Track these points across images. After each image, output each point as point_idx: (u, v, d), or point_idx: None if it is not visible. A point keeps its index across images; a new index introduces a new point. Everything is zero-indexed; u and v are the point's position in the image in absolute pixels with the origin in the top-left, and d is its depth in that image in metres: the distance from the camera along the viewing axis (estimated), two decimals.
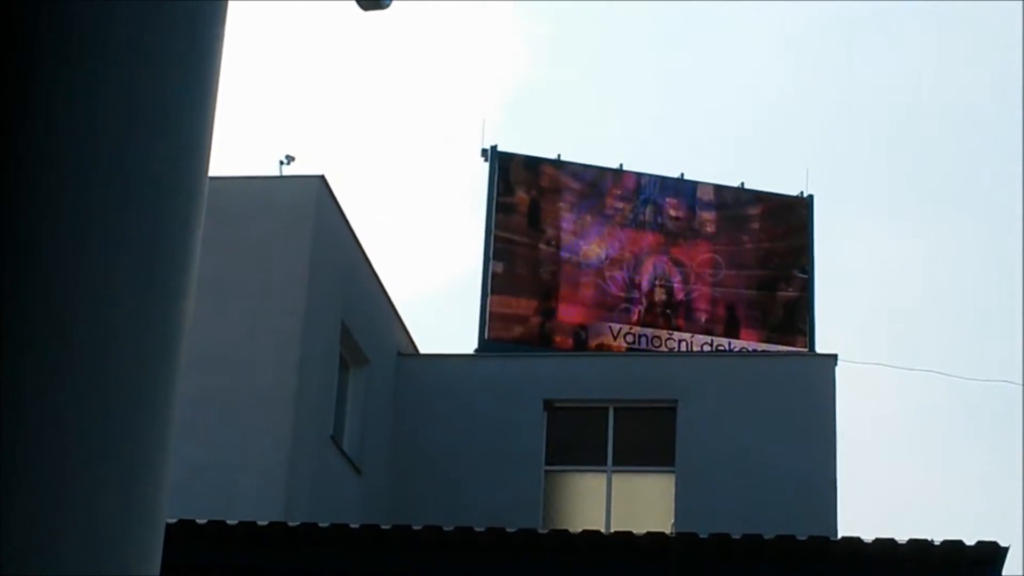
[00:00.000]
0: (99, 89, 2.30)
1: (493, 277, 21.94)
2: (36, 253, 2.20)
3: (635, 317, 22.10)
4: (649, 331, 22.08)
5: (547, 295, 21.99)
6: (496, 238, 22.12)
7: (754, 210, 22.81)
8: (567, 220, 22.43)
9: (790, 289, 22.31)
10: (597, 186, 22.71)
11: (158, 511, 2.34)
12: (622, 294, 22.25)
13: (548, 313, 21.97)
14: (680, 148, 35.61)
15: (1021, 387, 22.98)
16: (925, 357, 41.22)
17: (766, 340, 21.96)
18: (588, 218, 22.51)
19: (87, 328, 2.23)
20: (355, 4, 3.27)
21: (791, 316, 22.21)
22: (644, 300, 22.25)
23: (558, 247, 22.26)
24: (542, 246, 22.24)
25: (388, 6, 3.33)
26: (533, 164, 22.58)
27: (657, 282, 22.34)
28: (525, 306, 21.93)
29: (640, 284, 22.29)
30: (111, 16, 2.33)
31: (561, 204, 22.50)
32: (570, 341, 21.88)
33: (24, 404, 2.16)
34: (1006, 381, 28.74)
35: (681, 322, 22.12)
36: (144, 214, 2.34)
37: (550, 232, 22.32)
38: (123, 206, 2.31)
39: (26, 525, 2.13)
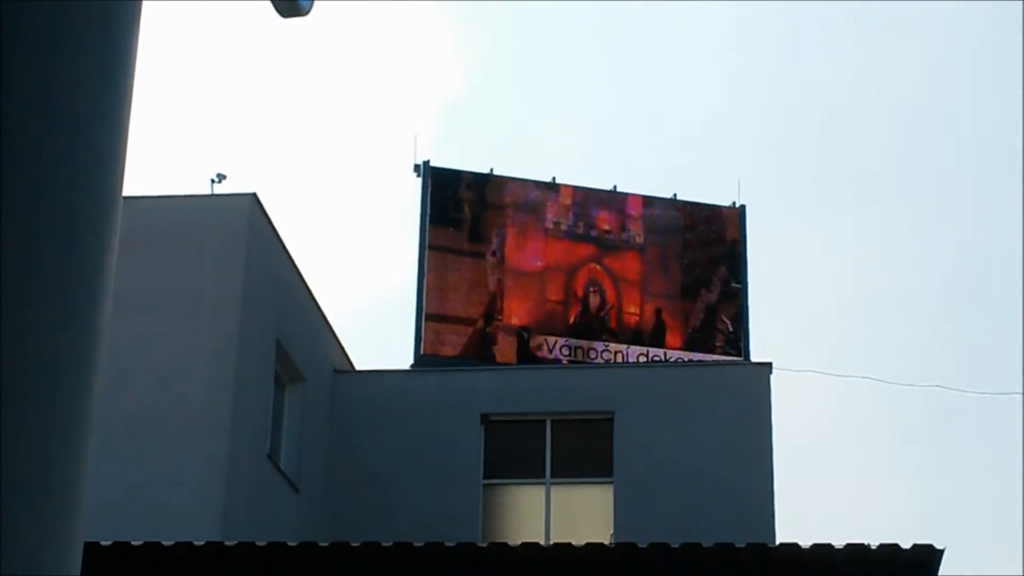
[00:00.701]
0: (6, 100, 2.27)
1: (428, 291, 21.96)
2: None
3: (572, 320, 22.23)
4: (584, 343, 22.17)
5: (492, 301, 22.10)
6: (433, 250, 22.15)
7: (683, 220, 22.98)
8: (508, 234, 22.52)
9: (710, 295, 22.53)
10: (532, 200, 22.81)
11: (75, 529, 2.31)
12: (560, 298, 22.39)
13: (490, 318, 22.05)
14: (614, 160, 35.74)
15: (954, 391, 23.13)
16: (859, 364, 41.53)
17: (687, 346, 22.17)
18: (526, 231, 22.60)
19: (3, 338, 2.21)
20: (275, 12, 3.24)
21: (711, 321, 22.42)
22: (579, 305, 22.40)
23: (502, 258, 22.37)
24: (489, 257, 22.33)
25: (308, 12, 3.30)
26: (478, 180, 22.65)
27: (591, 288, 22.50)
28: (463, 318, 21.98)
29: (576, 290, 22.46)
30: (18, 27, 2.30)
31: (500, 219, 22.60)
32: (513, 340, 21.94)
33: None
34: (939, 386, 29.03)
35: (613, 325, 22.28)
36: (56, 227, 2.31)
37: (494, 243, 22.42)
38: (33, 219, 2.28)
39: None
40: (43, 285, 2.27)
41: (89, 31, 2.40)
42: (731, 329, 22.40)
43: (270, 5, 3.23)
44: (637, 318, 22.49)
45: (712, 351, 22.23)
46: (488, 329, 22.04)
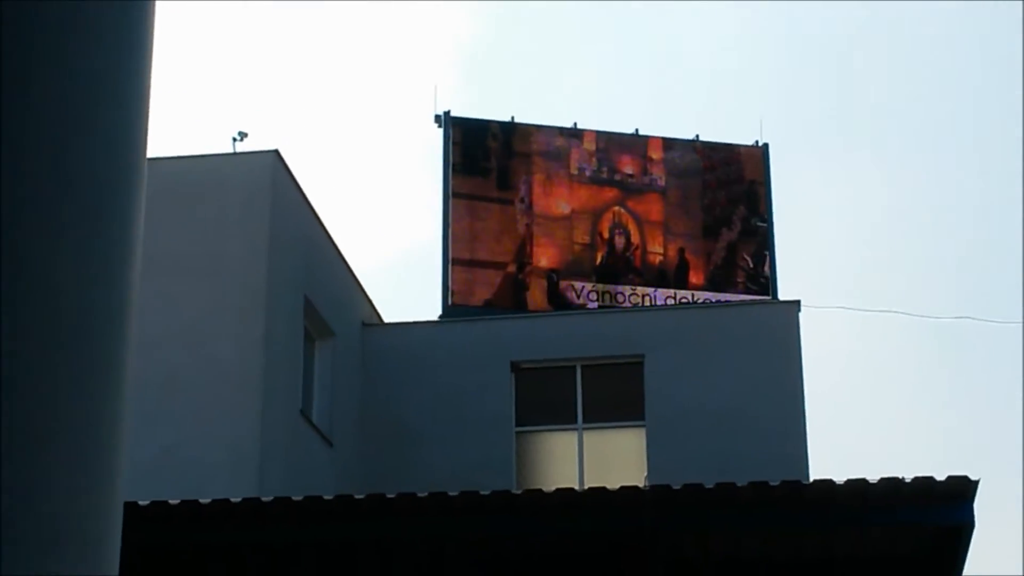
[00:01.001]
0: (31, 64, 2.27)
1: (456, 238, 21.99)
2: None
3: (598, 262, 22.26)
4: (612, 287, 22.18)
5: (522, 247, 22.15)
6: (459, 198, 22.17)
7: (702, 162, 22.95)
8: (535, 181, 22.54)
9: (731, 234, 22.53)
10: (556, 147, 22.79)
11: (114, 490, 2.32)
12: (586, 241, 22.42)
13: (521, 265, 22.10)
14: (635, 103, 35.61)
15: (982, 322, 23.04)
16: (887, 298, 41.42)
17: (709, 284, 22.21)
18: (551, 178, 22.60)
19: (30, 308, 2.21)
20: None
21: (732, 259, 22.43)
22: (605, 247, 22.42)
23: (530, 205, 22.40)
24: (517, 203, 22.36)
25: None
26: (503, 129, 22.64)
27: (616, 231, 22.52)
28: (495, 263, 22.03)
29: (601, 232, 22.48)
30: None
31: (526, 166, 22.60)
32: (544, 284, 22.00)
33: None
34: (967, 317, 28.98)
35: (638, 265, 22.32)
36: (82, 190, 2.31)
37: (521, 190, 22.45)
38: (60, 182, 2.28)
39: None
40: (72, 248, 2.27)
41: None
42: (751, 265, 22.43)
43: None
44: (661, 258, 22.51)
45: (734, 288, 22.24)
46: (520, 275, 22.08)
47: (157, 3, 2.55)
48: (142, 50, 2.47)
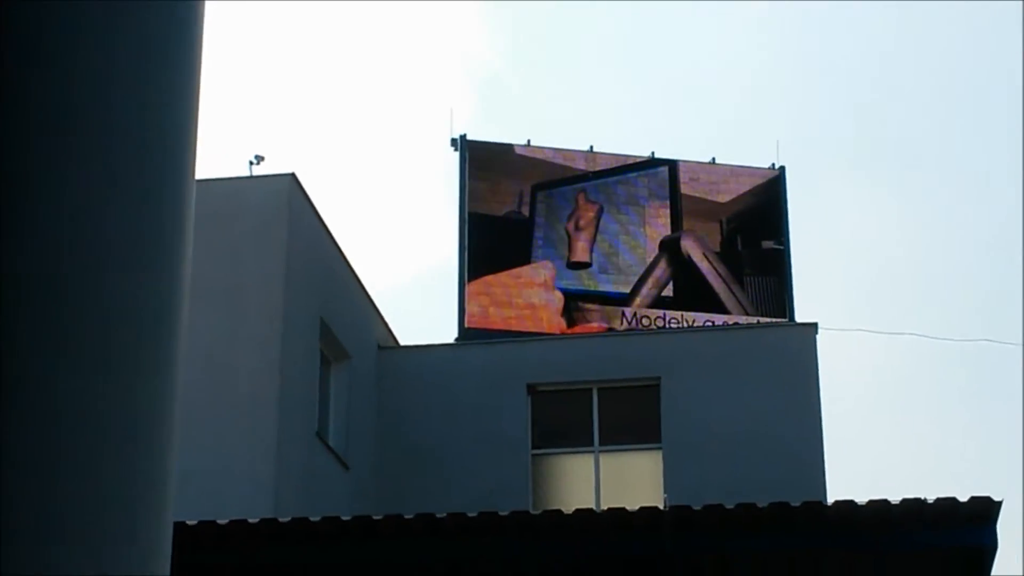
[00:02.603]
0: (77, 82, 2.25)
1: (473, 260, 21.99)
2: (27, 256, 2.17)
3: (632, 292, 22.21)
4: (650, 312, 22.10)
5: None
6: (476, 220, 22.17)
7: (724, 184, 22.89)
8: (549, 202, 22.53)
9: (750, 262, 22.48)
10: (571, 168, 22.78)
11: (164, 508, 2.32)
12: (596, 263, 22.40)
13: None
14: (650, 127, 35.60)
15: (1002, 344, 22.94)
16: (905, 321, 41.31)
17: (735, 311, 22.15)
18: (566, 199, 22.58)
19: (83, 325, 2.20)
20: None
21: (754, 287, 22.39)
22: (625, 271, 22.36)
23: (545, 227, 22.44)
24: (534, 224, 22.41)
25: None
26: (517, 152, 22.66)
27: (633, 253, 22.47)
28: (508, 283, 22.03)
29: (616, 258, 22.44)
30: (91, 16, 2.28)
31: (542, 188, 22.60)
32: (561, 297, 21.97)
33: (22, 402, 2.13)
34: (987, 340, 28.84)
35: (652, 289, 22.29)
36: (133, 215, 2.30)
37: (538, 212, 22.46)
38: (109, 205, 2.27)
39: (27, 524, 2.10)
40: (122, 271, 2.27)
41: (159, 18, 2.38)
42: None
43: None
44: (669, 279, 22.46)
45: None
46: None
47: (203, 26, 2.54)
48: (192, 63, 2.46)
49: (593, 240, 22.44)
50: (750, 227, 22.71)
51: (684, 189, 22.83)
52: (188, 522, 10.23)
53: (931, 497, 10.04)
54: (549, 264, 22.28)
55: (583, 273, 22.33)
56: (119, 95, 2.30)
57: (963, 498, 10.03)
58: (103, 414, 2.21)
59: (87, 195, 2.24)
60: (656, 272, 22.45)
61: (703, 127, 35.54)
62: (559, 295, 22.10)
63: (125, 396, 2.24)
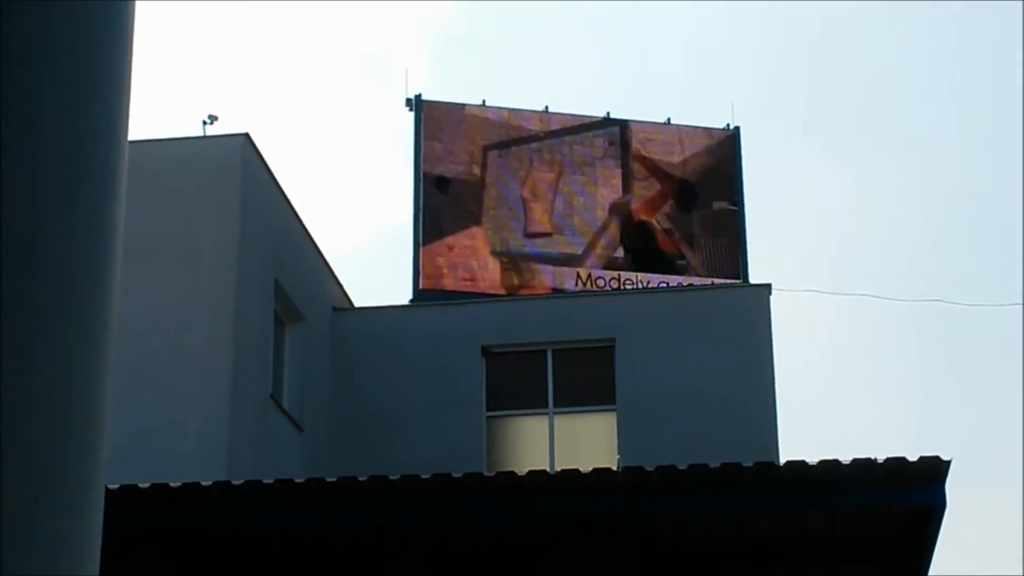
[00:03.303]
0: (7, 50, 2.23)
1: (435, 216, 21.94)
2: None
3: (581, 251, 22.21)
4: (605, 273, 22.09)
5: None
6: (431, 181, 22.11)
7: (678, 144, 22.90)
8: (502, 163, 22.47)
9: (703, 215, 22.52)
10: (527, 128, 22.73)
11: (97, 473, 2.29)
12: (553, 225, 22.36)
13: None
14: (606, 86, 35.57)
15: (953, 304, 23.06)
16: (859, 282, 41.50)
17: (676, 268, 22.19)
18: (520, 159, 22.54)
19: (11, 296, 2.18)
20: None
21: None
22: (579, 233, 22.35)
23: (496, 186, 22.39)
24: (487, 185, 22.33)
25: None
26: (472, 111, 22.57)
27: (585, 214, 22.47)
28: (468, 236, 21.97)
29: (571, 217, 22.42)
30: None
31: (494, 148, 22.54)
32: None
33: None
34: (938, 300, 29.05)
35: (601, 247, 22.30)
36: (63, 173, 2.27)
37: (489, 172, 22.39)
38: (39, 168, 2.24)
39: None
40: (51, 238, 2.24)
41: None
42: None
43: None
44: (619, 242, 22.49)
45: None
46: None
47: None
48: (123, 39, 2.44)
49: (551, 208, 22.41)
50: (704, 188, 22.74)
51: (637, 150, 22.83)
52: (140, 485, 10.20)
53: (881, 457, 10.11)
54: (501, 226, 22.26)
55: (541, 240, 22.31)
56: (47, 58, 2.28)
57: (912, 458, 10.11)
58: (31, 382, 2.18)
59: (14, 161, 2.21)
60: (607, 234, 22.45)
61: (660, 89, 35.54)
62: (508, 259, 22.08)
63: (54, 367, 2.22)
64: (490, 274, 22.00)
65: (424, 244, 21.91)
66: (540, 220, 22.38)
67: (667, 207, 22.64)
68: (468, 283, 21.85)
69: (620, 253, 22.37)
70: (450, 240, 22.03)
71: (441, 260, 21.93)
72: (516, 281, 22.00)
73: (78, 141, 2.31)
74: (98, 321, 2.32)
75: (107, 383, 2.35)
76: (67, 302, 2.27)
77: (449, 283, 21.83)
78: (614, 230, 22.46)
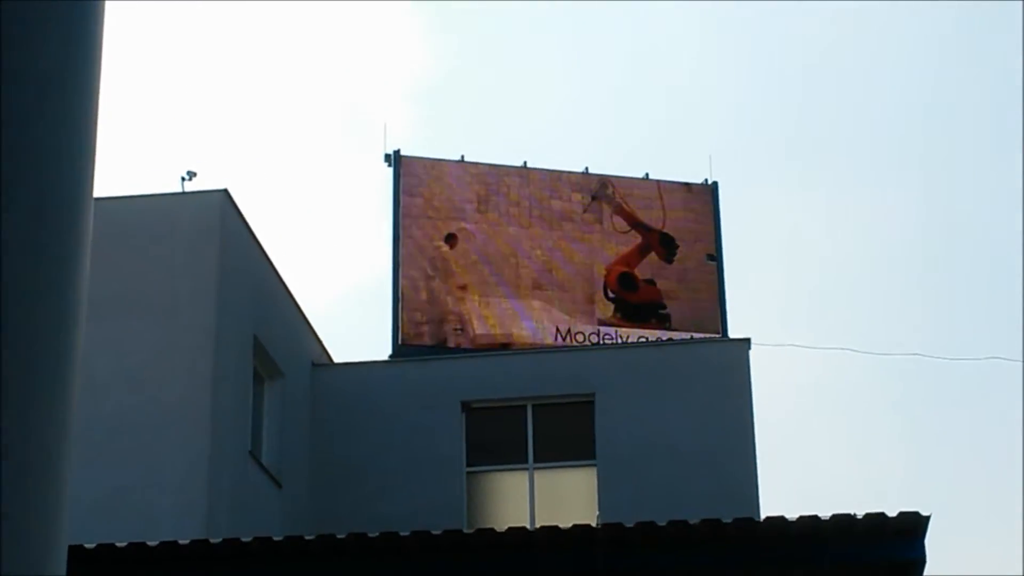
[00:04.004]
0: None
1: (406, 277, 21.93)
2: None
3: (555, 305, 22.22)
4: (585, 328, 22.11)
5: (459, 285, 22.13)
6: (409, 238, 22.12)
7: (657, 200, 22.97)
8: (481, 219, 22.49)
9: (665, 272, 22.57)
10: (505, 184, 22.78)
11: (59, 532, 2.28)
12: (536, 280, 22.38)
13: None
14: (585, 141, 35.69)
15: (932, 359, 23.12)
16: (838, 335, 41.59)
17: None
18: (499, 215, 22.57)
19: None
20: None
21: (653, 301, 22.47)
22: (559, 287, 22.36)
23: (476, 243, 22.40)
24: (463, 243, 22.31)
25: None
26: (450, 167, 22.60)
27: (568, 267, 22.50)
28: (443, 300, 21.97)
29: (552, 272, 22.44)
30: None
31: (473, 204, 22.56)
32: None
33: None
34: (917, 354, 29.10)
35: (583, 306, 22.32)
36: (27, 231, 2.27)
37: (468, 228, 22.39)
38: (3, 223, 2.24)
39: None
40: (16, 290, 2.23)
41: (52, 28, 2.35)
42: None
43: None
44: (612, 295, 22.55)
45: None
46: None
47: (103, 40, 2.52)
48: (89, 84, 2.43)
49: (532, 262, 22.43)
50: (683, 241, 22.80)
51: (618, 204, 22.88)
52: (117, 544, 10.14)
53: (860, 513, 10.12)
54: (482, 280, 22.27)
55: (522, 294, 22.31)
56: (14, 112, 2.28)
57: (892, 513, 10.11)
58: None
59: None
60: (587, 287, 22.47)
61: (638, 139, 35.68)
62: (489, 313, 22.07)
63: (17, 420, 2.21)
64: (473, 328, 21.99)
65: (404, 298, 21.90)
66: (520, 275, 22.40)
67: (648, 259, 22.68)
68: (449, 338, 21.82)
69: (601, 307, 22.38)
70: (433, 295, 22.02)
71: (421, 315, 21.91)
72: (497, 335, 21.99)
73: (41, 198, 2.30)
74: (61, 381, 2.31)
75: (68, 447, 2.33)
76: (30, 361, 2.25)
77: (429, 339, 21.81)
78: (595, 283, 22.49)
